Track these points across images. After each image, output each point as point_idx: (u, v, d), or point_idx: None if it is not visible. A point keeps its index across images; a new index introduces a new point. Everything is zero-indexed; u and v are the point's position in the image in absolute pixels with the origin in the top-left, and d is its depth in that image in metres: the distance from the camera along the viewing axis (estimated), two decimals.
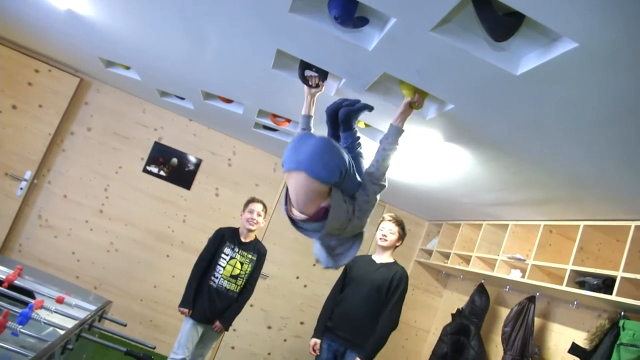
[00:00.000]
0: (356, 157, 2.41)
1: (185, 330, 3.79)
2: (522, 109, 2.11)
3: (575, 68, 1.65)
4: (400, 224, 3.68)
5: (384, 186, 2.23)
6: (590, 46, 1.51)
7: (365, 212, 2.18)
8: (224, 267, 3.80)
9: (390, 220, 3.68)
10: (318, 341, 3.65)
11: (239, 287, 3.86)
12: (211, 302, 3.77)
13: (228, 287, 3.81)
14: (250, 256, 3.90)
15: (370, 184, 2.17)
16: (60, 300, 2.48)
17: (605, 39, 1.46)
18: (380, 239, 3.67)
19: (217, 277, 3.79)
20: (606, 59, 1.54)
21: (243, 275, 3.86)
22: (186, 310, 3.75)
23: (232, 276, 3.82)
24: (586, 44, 1.50)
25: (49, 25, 3.73)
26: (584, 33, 1.47)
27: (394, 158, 2.28)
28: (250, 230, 3.88)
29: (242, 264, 3.85)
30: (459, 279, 5.11)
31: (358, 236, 2.27)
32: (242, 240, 3.90)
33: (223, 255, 3.83)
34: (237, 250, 3.85)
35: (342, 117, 2.41)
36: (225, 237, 3.88)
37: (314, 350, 3.65)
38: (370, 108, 2.39)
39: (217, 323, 3.81)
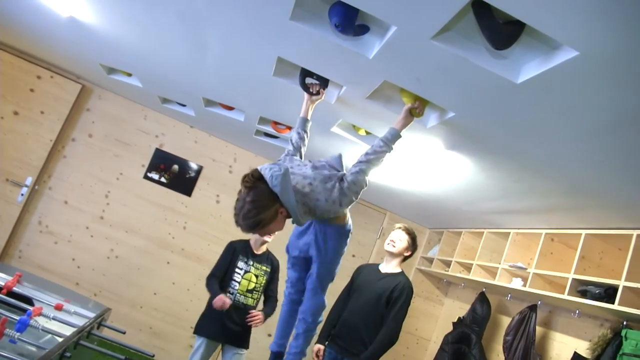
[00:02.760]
0: None
1: (199, 351, 3.63)
2: (523, 117, 2.11)
3: (576, 76, 1.64)
4: (410, 233, 3.62)
5: (363, 184, 2.17)
6: (591, 55, 1.50)
7: (345, 199, 2.10)
8: (239, 282, 3.66)
9: (400, 228, 3.64)
10: (322, 347, 3.61)
11: (255, 300, 3.72)
12: (229, 319, 3.61)
13: (245, 302, 3.67)
14: (264, 268, 3.78)
15: (350, 183, 2.11)
16: (59, 308, 2.47)
17: (606, 47, 1.45)
18: (389, 244, 3.61)
19: (233, 294, 3.64)
20: (607, 67, 1.53)
21: (259, 289, 3.74)
22: (226, 301, 3.49)
23: (248, 290, 3.68)
24: (587, 53, 1.50)
25: (52, 32, 3.74)
26: (584, 42, 1.47)
27: (384, 160, 2.26)
28: (265, 242, 3.76)
29: (257, 276, 3.73)
30: (460, 287, 5.08)
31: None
32: (255, 252, 3.78)
33: (237, 270, 3.69)
34: (251, 263, 3.72)
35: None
36: (237, 250, 3.75)
37: (317, 357, 3.61)
38: None
39: (257, 313, 3.65)
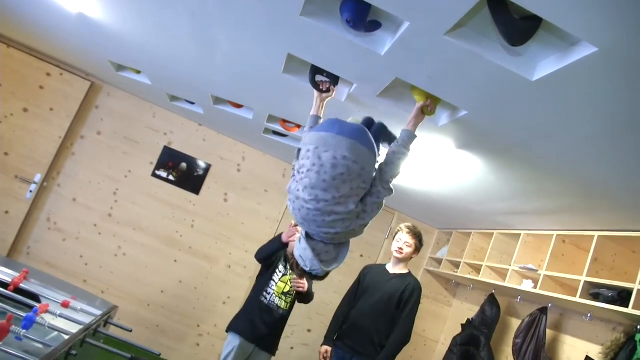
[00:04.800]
0: None
1: (232, 351, 3.56)
2: (538, 116, 2.07)
3: (595, 73, 1.60)
4: (417, 235, 3.60)
5: (392, 191, 2.19)
6: (611, 51, 1.46)
7: (370, 215, 2.15)
8: (276, 284, 3.67)
9: (408, 233, 3.59)
10: (329, 348, 3.59)
11: (287, 304, 3.69)
12: (261, 320, 3.59)
13: (279, 305, 3.65)
14: None
15: (380, 187, 2.14)
16: (65, 305, 2.46)
17: (626, 43, 1.41)
18: (396, 251, 3.59)
19: (269, 294, 3.65)
20: (627, 63, 1.49)
21: (292, 293, 3.70)
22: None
23: (283, 293, 3.67)
24: (606, 49, 1.46)
25: (61, 28, 3.74)
26: (604, 37, 1.43)
27: (404, 164, 2.24)
28: None
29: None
30: (468, 289, 5.03)
31: (345, 244, 2.22)
32: (290, 257, 3.78)
33: (277, 271, 3.71)
34: (288, 268, 3.72)
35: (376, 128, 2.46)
36: (280, 255, 3.75)
37: (324, 358, 3.59)
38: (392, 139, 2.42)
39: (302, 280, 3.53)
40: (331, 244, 2.15)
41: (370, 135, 2.17)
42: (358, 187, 2.05)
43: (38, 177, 4.86)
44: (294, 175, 2.14)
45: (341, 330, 3.63)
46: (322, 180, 1.99)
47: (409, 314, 3.47)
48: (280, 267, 3.72)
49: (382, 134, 2.45)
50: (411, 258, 3.64)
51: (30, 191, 4.85)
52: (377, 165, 2.18)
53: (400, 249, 3.57)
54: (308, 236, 2.18)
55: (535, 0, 1.41)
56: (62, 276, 4.69)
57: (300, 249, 2.18)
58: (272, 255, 3.70)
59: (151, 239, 5.14)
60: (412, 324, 3.48)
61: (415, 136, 2.27)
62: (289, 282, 3.68)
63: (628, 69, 1.52)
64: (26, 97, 4.86)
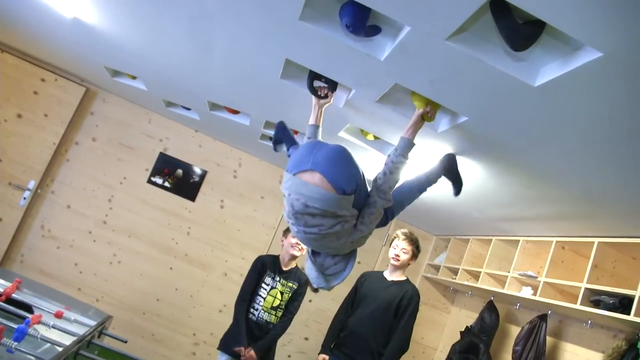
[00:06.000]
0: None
1: None
2: (540, 122, 2.04)
3: (599, 79, 1.57)
4: (414, 242, 3.56)
5: (390, 201, 2.16)
6: (616, 56, 1.43)
7: (369, 227, 2.12)
8: (264, 298, 3.54)
9: (404, 240, 3.54)
10: (327, 357, 3.54)
11: (278, 319, 3.59)
12: (251, 337, 3.48)
13: (268, 320, 3.54)
14: (291, 285, 3.63)
15: (377, 198, 2.11)
16: (59, 315, 2.41)
17: (631, 48, 1.38)
18: (393, 258, 3.55)
19: (257, 310, 3.53)
20: (632, 68, 1.46)
21: (282, 306, 3.60)
22: (242, 348, 3.40)
23: (272, 308, 3.55)
24: (611, 54, 1.43)
25: (56, 33, 3.70)
26: (608, 42, 1.40)
27: (403, 172, 2.21)
28: (294, 257, 3.63)
29: (282, 293, 3.59)
30: (467, 295, 5.00)
31: (352, 255, 2.20)
32: (283, 268, 3.63)
33: (264, 285, 3.56)
34: (277, 279, 3.59)
35: None
36: (266, 265, 3.62)
37: None
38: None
39: (248, 351, 3.41)
40: (338, 256, 2.13)
41: (349, 155, 2.05)
42: (342, 216, 1.99)
43: (32, 184, 4.81)
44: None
45: (339, 339, 3.58)
46: (303, 223, 1.99)
47: (407, 321, 3.42)
48: (268, 280, 3.59)
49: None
50: (408, 264, 3.61)
51: (24, 198, 4.79)
52: (366, 180, 2.13)
53: (397, 255, 3.53)
54: (314, 252, 2.16)
55: (539, 4, 1.39)
56: (56, 284, 4.63)
57: (307, 268, 2.19)
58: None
59: (146, 247, 5.08)
60: (411, 331, 3.44)
61: (414, 144, 2.24)
62: (278, 296, 3.58)
63: (634, 74, 1.49)
64: (20, 103, 4.81)
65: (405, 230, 3.62)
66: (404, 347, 3.40)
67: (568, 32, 1.44)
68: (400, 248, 3.54)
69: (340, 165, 1.98)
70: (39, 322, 2.13)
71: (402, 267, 3.58)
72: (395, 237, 3.61)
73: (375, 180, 2.15)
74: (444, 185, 3.54)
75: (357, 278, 3.82)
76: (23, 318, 2.12)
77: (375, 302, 3.52)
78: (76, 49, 3.96)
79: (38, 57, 4.79)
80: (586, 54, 1.51)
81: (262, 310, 3.54)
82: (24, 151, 4.81)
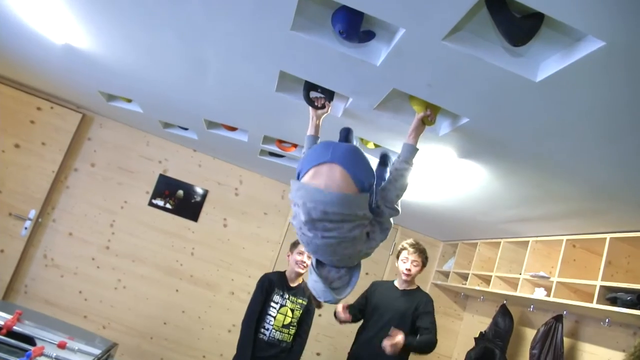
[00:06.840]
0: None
1: None
2: (543, 118, 1.99)
3: (602, 69, 1.52)
4: (422, 252, 3.52)
5: (399, 211, 2.11)
6: (619, 44, 1.39)
7: (381, 236, 2.07)
8: (274, 317, 3.46)
9: (414, 252, 3.49)
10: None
11: (291, 336, 3.50)
12: (264, 358, 3.40)
13: (280, 338, 3.45)
14: (300, 301, 3.55)
15: (384, 207, 2.07)
16: (62, 346, 2.34)
17: (635, 35, 1.34)
18: (404, 274, 3.50)
19: (267, 329, 3.44)
20: (636, 57, 1.42)
21: (294, 323, 3.52)
22: None
23: (284, 326, 3.47)
24: (614, 42, 1.39)
25: (47, 61, 3.68)
26: (611, 30, 1.35)
27: (409, 179, 2.16)
28: (299, 274, 3.56)
29: (292, 310, 3.51)
30: (479, 301, 4.92)
31: (356, 268, 2.15)
32: (291, 284, 3.56)
33: (272, 304, 3.47)
34: (286, 297, 3.51)
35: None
36: (273, 283, 3.53)
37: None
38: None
39: None
40: (343, 268, 2.07)
41: (364, 155, 2.07)
42: (361, 217, 1.96)
43: (32, 213, 4.76)
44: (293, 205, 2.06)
45: (355, 351, 3.53)
46: (321, 228, 1.93)
47: (433, 321, 3.37)
48: (276, 298, 3.50)
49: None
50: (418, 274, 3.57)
51: (25, 228, 4.75)
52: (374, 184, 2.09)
53: (409, 270, 3.48)
54: (318, 263, 2.10)
55: None
56: (62, 313, 4.57)
57: (311, 281, 2.12)
58: None
59: (151, 270, 5.02)
60: (436, 331, 3.37)
61: (417, 149, 2.19)
62: (288, 313, 3.51)
63: (638, 62, 1.44)
64: (17, 133, 4.79)
65: (413, 242, 3.56)
66: (434, 340, 3.31)
67: (568, 22, 1.40)
68: (410, 261, 3.49)
69: (359, 160, 2.01)
70: (42, 354, 2.07)
71: (413, 278, 3.55)
72: (403, 249, 3.54)
73: (381, 189, 2.10)
74: (447, 189, 3.50)
75: (368, 287, 3.77)
76: (25, 351, 2.06)
77: (389, 312, 3.47)
78: (69, 75, 3.94)
79: (33, 86, 4.78)
80: (588, 44, 1.46)
81: (273, 330, 3.46)
82: (23, 181, 4.78)
